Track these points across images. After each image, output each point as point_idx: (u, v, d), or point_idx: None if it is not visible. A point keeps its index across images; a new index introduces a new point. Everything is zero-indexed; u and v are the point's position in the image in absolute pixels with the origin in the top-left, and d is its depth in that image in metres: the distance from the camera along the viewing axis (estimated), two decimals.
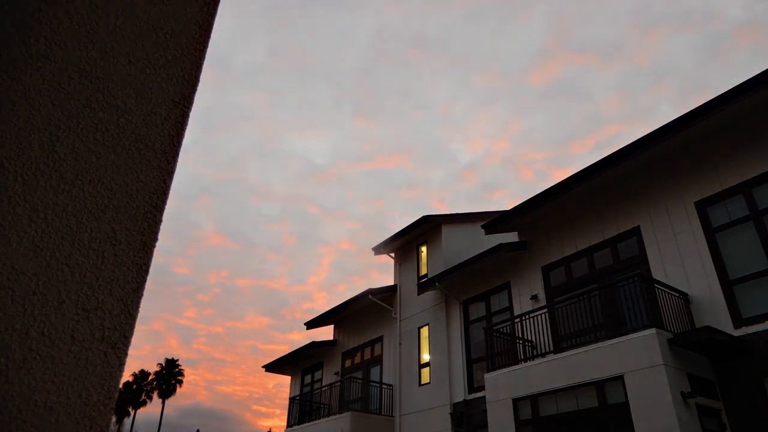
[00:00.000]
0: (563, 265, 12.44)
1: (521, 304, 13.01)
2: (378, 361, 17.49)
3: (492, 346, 11.53)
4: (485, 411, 11.27)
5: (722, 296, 9.36)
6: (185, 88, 1.15)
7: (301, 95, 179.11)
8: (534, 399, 10.12)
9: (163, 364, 64.32)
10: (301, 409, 18.17)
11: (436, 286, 15.13)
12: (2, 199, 0.86)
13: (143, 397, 62.53)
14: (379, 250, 18.39)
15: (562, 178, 12.14)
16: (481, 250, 14.55)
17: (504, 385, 10.75)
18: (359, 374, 17.66)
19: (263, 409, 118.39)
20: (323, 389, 17.53)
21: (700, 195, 10.29)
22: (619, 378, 8.81)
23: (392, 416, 15.71)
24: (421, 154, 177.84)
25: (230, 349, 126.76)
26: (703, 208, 10.21)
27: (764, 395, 8.42)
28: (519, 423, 10.25)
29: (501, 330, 11.64)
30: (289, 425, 17.58)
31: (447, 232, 16.82)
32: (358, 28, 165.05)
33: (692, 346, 8.76)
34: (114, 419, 60.88)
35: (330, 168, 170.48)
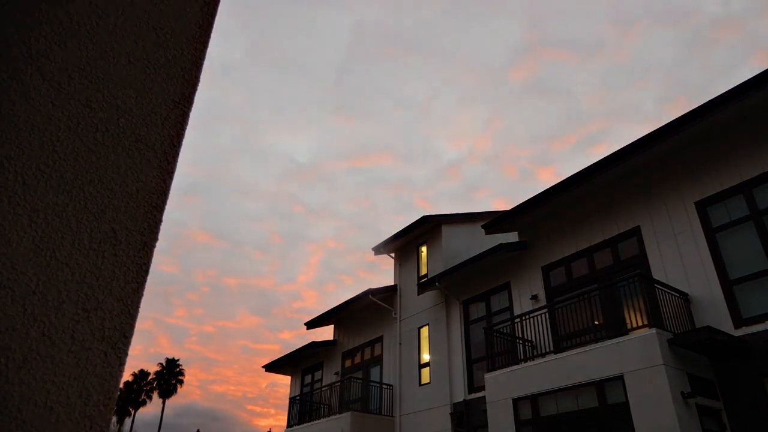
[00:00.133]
0: (563, 265, 12.44)
1: (521, 304, 13.01)
2: (378, 361, 17.49)
3: (492, 346, 11.53)
4: (485, 411, 11.27)
5: (722, 296, 9.36)
6: (185, 88, 1.15)
7: (282, 93, 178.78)
8: (534, 399, 10.12)
9: (164, 364, 64.33)
10: (301, 409, 18.17)
11: (436, 286, 15.13)
12: (2, 199, 0.86)
13: (143, 397, 62.54)
14: (379, 250, 18.39)
15: (563, 178, 12.15)
16: (481, 250, 14.55)
17: (504, 385, 10.75)
18: (359, 374, 17.66)
19: (258, 409, 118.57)
20: (323, 389, 17.53)
21: (700, 195, 10.28)
22: (619, 378, 8.81)
23: (392, 416, 15.71)
24: (404, 152, 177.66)
25: (222, 349, 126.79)
26: (703, 208, 10.21)
27: (764, 395, 8.42)
28: (519, 423, 10.25)
29: (501, 330, 11.64)
30: (289, 425, 17.58)
31: (447, 232, 16.82)
32: (335, 25, 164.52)
33: (692, 346, 8.76)
34: (115, 419, 60.89)
35: (313, 166, 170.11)
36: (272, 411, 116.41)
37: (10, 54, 0.94)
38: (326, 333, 25.90)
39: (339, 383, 17.05)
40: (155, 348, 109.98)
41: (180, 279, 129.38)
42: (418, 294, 16.65)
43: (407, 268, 17.78)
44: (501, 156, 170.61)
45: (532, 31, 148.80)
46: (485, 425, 11.68)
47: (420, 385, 15.40)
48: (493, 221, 13.96)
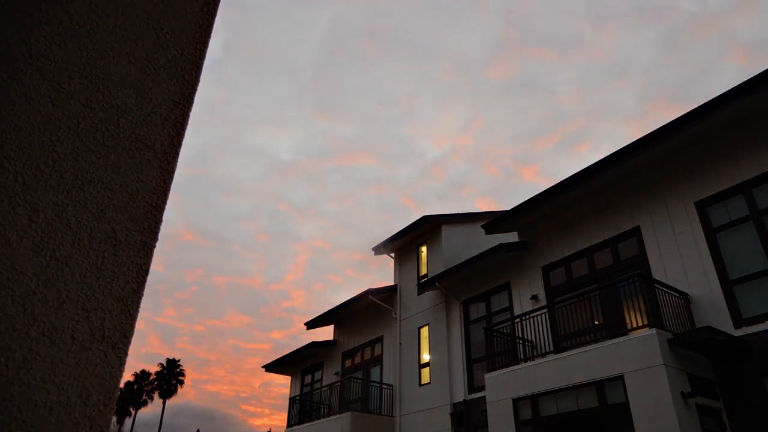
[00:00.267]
0: (563, 265, 12.44)
1: (521, 304, 13.01)
2: (378, 361, 17.49)
3: (492, 346, 11.53)
4: (485, 411, 11.27)
5: (722, 296, 9.36)
6: (185, 88, 1.15)
7: (261, 91, 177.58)
8: (534, 399, 10.12)
9: (164, 364, 64.34)
10: (301, 409, 18.17)
11: (436, 286, 15.13)
12: (2, 199, 0.86)
13: (144, 398, 62.56)
14: (379, 250, 18.40)
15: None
16: (481, 250, 14.55)
17: (504, 385, 10.75)
18: (359, 374, 17.66)
19: (252, 409, 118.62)
20: (323, 389, 17.53)
21: (700, 195, 10.29)
22: (619, 378, 8.81)
23: (392, 416, 15.71)
24: (387, 151, 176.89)
25: (213, 348, 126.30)
26: (703, 208, 10.21)
27: (764, 395, 8.42)
28: (519, 423, 10.25)
29: (501, 330, 11.64)
30: (289, 425, 17.58)
31: (447, 232, 16.82)
32: (311, 22, 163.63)
33: (692, 346, 8.76)
34: (115, 419, 60.90)
35: (297, 164, 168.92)
36: (266, 411, 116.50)
37: (10, 54, 0.94)
38: (326, 333, 25.89)
39: (339, 383, 17.05)
40: (147, 347, 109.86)
41: (168, 278, 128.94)
42: (418, 294, 16.65)
43: (407, 268, 17.78)
44: (483, 155, 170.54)
45: (509, 28, 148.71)
46: (485, 425, 11.68)
47: (420, 385, 15.40)
48: (493, 221, 13.97)
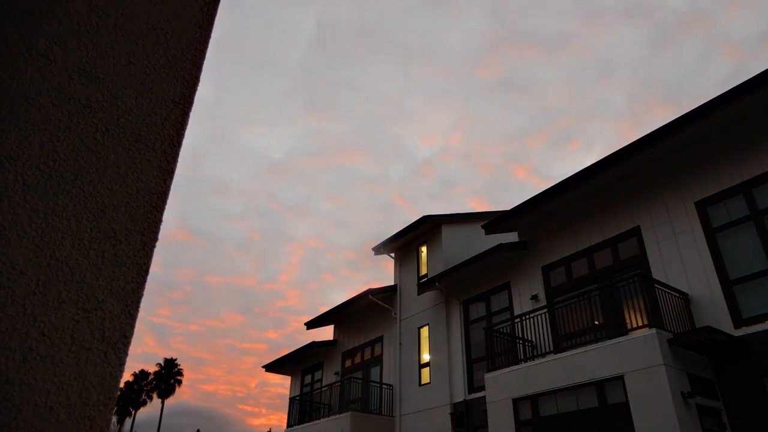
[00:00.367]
0: (563, 265, 12.44)
1: (521, 304, 13.01)
2: (378, 361, 17.49)
3: (492, 346, 11.54)
4: (485, 411, 11.27)
5: (722, 296, 9.36)
6: (185, 88, 1.15)
7: (250, 89, 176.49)
8: (534, 399, 10.12)
9: (162, 364, 64.34)
10: (301, 409, 18.18)
11: (436, 286, 15.13)
12: (2, 199, 0.86)
13: (143, 397, 62.56)
14: (379, 250, 18.40)
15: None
16: (481, 250, 14.55)
17: (504, 385, 10.75)
18: (359, 374, 17.66)
19: (249, 408, 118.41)
20: (323, 389, 17.53)
21: (700, 195, 10.29)
22: (619, 378, 8.81)
23: (392, 416, 15.71)
24: (378, 150, 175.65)
25: (209, 348, 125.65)
26: (703, 208, 10.21)
27: (764, 395, 8.42)
28: (519, 423, 10.25)
29: (501, 330, 11.64)
30: (289, 425, 17.58)
31: (447, 232, 16.82)
32: (300, 20, 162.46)
33: (692, 346, 8.76)
34: (115, 419, 60.89)
35: (287, 163, 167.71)
36: (264, 410, 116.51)
37: (10, 54, 0.94)
38: (326, 333, 25.91)
39: (339, 383, 17.05)
40: (142, 347, 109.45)
41: (161, 277, 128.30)
42: (418, 294, 16.65)
43: (407, 268, 17.78)
44: (474, 154, 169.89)
45: (497, 27, 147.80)
46: (485, 425, 11.67)
47: (420, 385, 15.40)
48: (493, 221, 13.97)
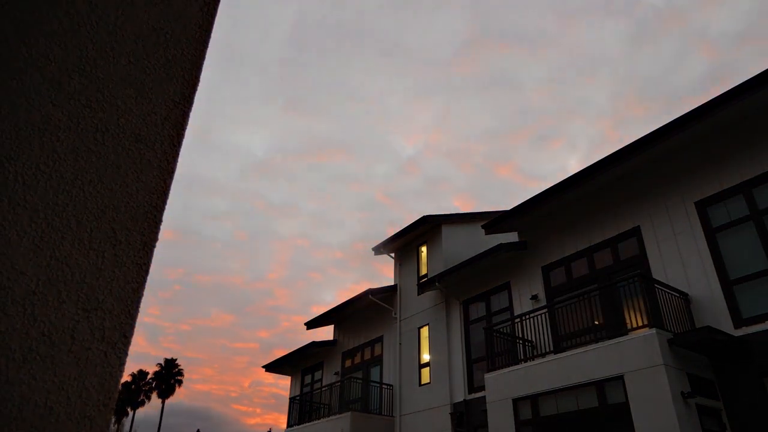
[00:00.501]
0: (563, 265, 12.44)
1: (521, 304, 13.01)
2: (378, 361, 17.49)
3: (492, 346, 11.54)
4: (485, 411, 11.27)
5: (722, 296, 9.36)
6: (185, 88, 1.15)
7: (230, 87, 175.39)
8: (534, 399, 10.12)
9: (163, 364, 64.34)
10: (301, 409, 18.18)
11: (436, 286, 15.13)
12: (2, 199, 0.86)
13: (142, 397, 62.55)
14: (379, 250, 18.40)
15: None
16: (481, 250, 14.55)
17: (504, 385, 10.75)
18: (359, 374, 17.66)
19: (243, 408, 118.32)
20: (323, 389, 17.53)
21: (700, 195, 10.29)
22: (619, 378, 8.81)
23: (392, 416, 15.71)
24: (361, 148, 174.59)
25: (200, 348, 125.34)
26: (703, 208, 10.21)
27: (764, 395, 8.42)
28: (519, 423, 10.25)
29: (501, 330, 11.64)
30: (289, 425, 17.59)
31: (447, 232, 16.83)
32: (278, 16, 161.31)
33: (692, 346, 8.76)
34: (113, 419, 60.80)
35: (271, 162, 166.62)
36: (258, 410, 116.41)
37: (10, 54, 0.94)
38: (326, 333, 25.90)
39: (339, 383, 17.05)
40: (133, 347, 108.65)
41: (150, 276, 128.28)
42: (418, 294, 16.65)
43: (407, 268, 17.78)
44: (457, 152, 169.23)
45: (474, 23, 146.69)
46: (485, 425, 11.68)
47: (420, 385, 15.40)
48: (493, 221, 13.97)
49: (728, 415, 8.74)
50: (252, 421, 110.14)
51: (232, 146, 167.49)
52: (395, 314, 17.24)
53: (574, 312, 10.39)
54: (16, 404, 0.79)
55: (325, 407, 16.96)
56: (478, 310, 14.58)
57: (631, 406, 8.47)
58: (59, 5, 1.02)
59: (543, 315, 11.01)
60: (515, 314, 12.77)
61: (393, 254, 18.63)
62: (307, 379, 20.71)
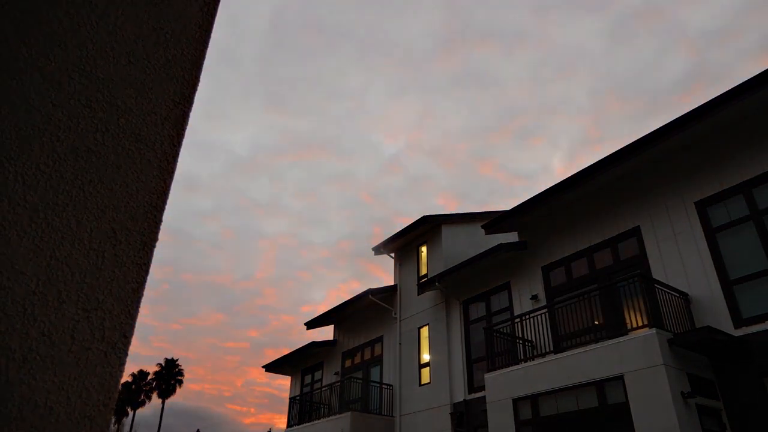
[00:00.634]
0: (563, 265, 12.44)
1: (521, 304, 13.01)
2: (378, 361, 17.49)
3: (492, 346, 11.54)
4: (485, 411, 11.27)
5: (722, 296, 9.36)
6: (185, 88, 1.15)
7: (210, 84, 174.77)
8: (534, 399, 10.12)
9: (163, 364, 64.34)
10: (301, 409, 18.18)
11: (436, 286, 15.13)
12: (2, 199, 0.86)
13: (142, 398, 62.54)
14: (379, 250, 18.41)
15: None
16: (481, 250, 14.55)
17: (504, 385, 10.75)
18: (359, 374, 17.66)
19: (237, 408, 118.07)
20: (323, 389, 17.53)
21: (700, 195, 10.29)
22: (619, 378, 8.81)
23: (392, 416, 15.71)
24: (343, 146, 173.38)
25: (191, 347, 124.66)
26: (703, 208, 10.21)
27: (764, 395, 8.42)
28: (519, 423, 10.25)
29: (501, 330, 11.64)
30: (289, 425, 17.58)
31: (447, 232, 16.83)
32: (253, 13, 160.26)
33: (692, 346, 8.76)
34: (113, 419, 60.81)
35: (254, 160, 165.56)
36: (252, 410, 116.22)
37: (10, 54, 0.94)
38: (326, 333, 25.90)
39: (339, 383, 17.05)
40: (131, 347, 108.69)
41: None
42: (418, 294, 16.65)
43: (407, 268, 17.78)
44: (439, 150, 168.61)
45: (451, 20, 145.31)
46: (485, 425, 11.68)
47: (420, 385, 15.40)
48: (493, 221, 13.97)
49: (728, 415, 8.74)
50: (247, 420, 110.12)
51: (214, 144, 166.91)
52: (395, 314, 17.24)
53: (574, 312, 10.39)
54: (16, 404, 0.79)
55: (325, 407, 16.96)
56: (478, 310, 14.58)
57: (631, 406, 8.47)
58: (59, 5, 1.02)
59: (543, 315, 11.01)
60: (515, 314, 12.77)
61: (393, 254, 18.64)
62: (307, 379, 20.71)
